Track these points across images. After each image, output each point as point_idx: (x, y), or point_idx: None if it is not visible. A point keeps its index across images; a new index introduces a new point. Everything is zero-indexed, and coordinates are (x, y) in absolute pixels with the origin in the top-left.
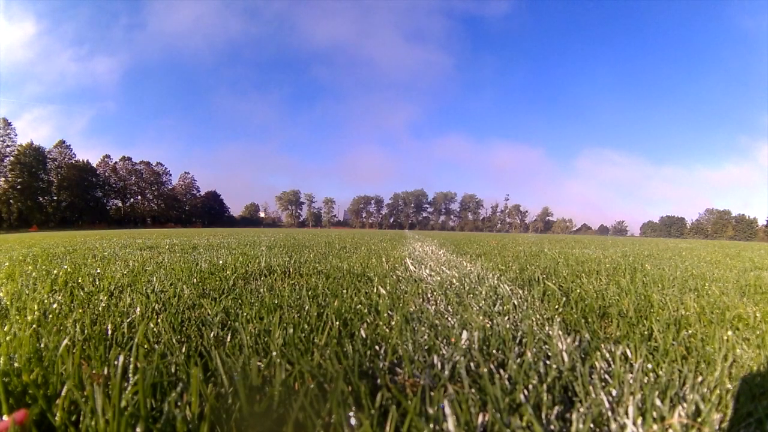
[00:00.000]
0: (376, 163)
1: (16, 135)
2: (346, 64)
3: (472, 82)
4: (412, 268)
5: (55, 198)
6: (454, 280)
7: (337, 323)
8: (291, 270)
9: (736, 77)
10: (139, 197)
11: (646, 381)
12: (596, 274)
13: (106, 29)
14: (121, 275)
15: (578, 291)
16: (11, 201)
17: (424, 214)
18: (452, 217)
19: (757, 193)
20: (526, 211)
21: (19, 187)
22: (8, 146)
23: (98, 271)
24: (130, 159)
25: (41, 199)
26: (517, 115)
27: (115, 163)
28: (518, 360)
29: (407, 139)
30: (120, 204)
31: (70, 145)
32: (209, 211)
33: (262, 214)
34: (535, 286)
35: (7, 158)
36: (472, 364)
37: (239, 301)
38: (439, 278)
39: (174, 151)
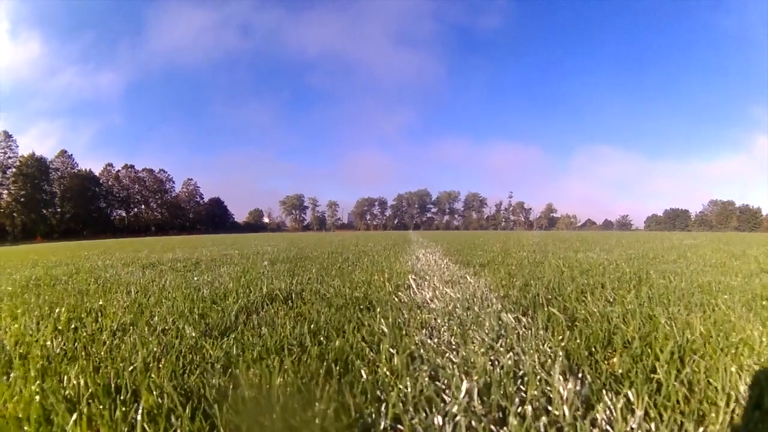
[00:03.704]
0: (377, 166)
1: (17, 147)
2: (340, 70)
3: (465, 84)
4: (415, 287)
5: (59, 209)
6: (458, 307)
7: (338, 367)
8: (293, 295)
9: (725, 70)
10: (143, 206)
11: None
12: (601, 288)
13: (111, 46)
14: (123, 311)
15: (583, 313)
16: (15, 214)
17: (429, 215)
18: (456, 216)
19: (754, 184)
20: (530, 209)
21: (22, 199)
22: (10, 158)
23: (100, 302)
24: (132, 167)
25: (45, 211)
26: (513, 115)
27: (118, 171)
28: (519, 410)
29: (407, 141)
30: (124, 214)
31: (72, 155)
32: (213, 218)
33: (266, 220)
34: (539, 312)
35: (10, 170)
36: (473, 422)
37: (240, 341)
38: (443, 304)
39: (177, 160)
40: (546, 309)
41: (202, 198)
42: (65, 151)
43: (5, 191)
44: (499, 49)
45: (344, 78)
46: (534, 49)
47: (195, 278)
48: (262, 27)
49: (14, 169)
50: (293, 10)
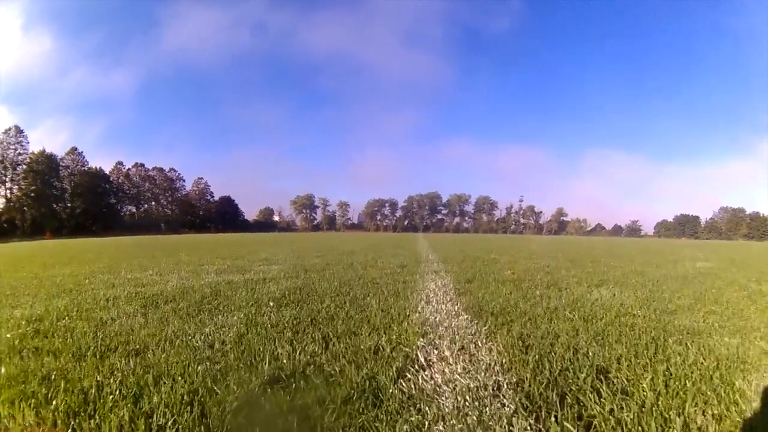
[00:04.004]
0: (388, 167)
1: (28, 143)
2: (351, 71)
3: (476, 86)
4: (423, 360)
5: (69, 205)
6: (467, 403)
7: None
8: (296, 374)
9: (734, 74)
10: (153, 203)
11: None
12: (617, 364)
13: (123, 44)
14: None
15: (597, 411)
16: (25, 208)
17: (439, 216)
18: (466, 218)
19: (765, 190)
20: (540, 212)
21: (32, 194)
22: (20, 154)
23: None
24: (143, 165)
25: (55, 206)
26: (523, 117)
27: (128, 169)
28: None
29: (418, 143)
30: (134, 210)
31: (82, 152)
32: (223, 215)
33: (276, 218)
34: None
35: (20, 166)
36: None
37: None
38: (452, 398)
39: (187, 158)
40: (560, 411)
41: (213, 196)
42: (75, 149)
43: (15, 186)
44: (509, 51)
45: (355, 79)
46: (543, 51)
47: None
48: (273, 28)
49: (24, 166)
50: (304, 12)
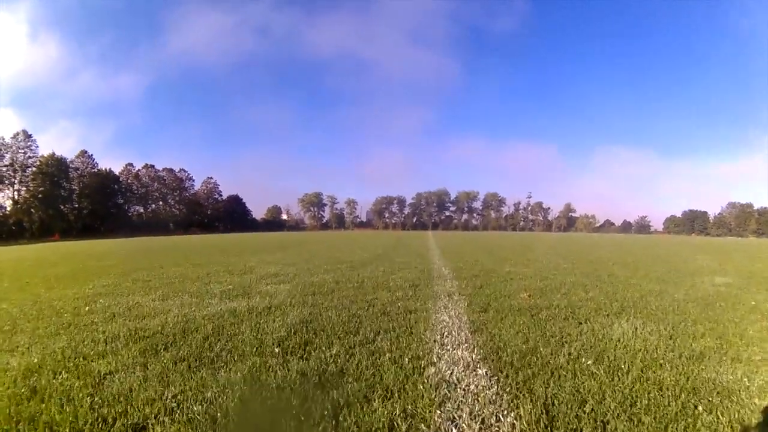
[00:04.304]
0: (396, 165)
1: (38, 147)
2: (358, 70)
3: (483, 83)
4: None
5: (77, 206)
6: None
7: None
8: None
9: (741, 71)
10: (161, 203)
11: None
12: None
13: (130, 48)
14: None
15: None
16: (32, 210)
17: (447, 213)
18: (475, 215)
19: None
20: (549, 208)
21: (40, 196)
22: (30, 157)
23: None
24: (153, 166)
25: (63, 207)
26: (530, 114)
27: (138, 170)
28: None
29: (426, 140)
30: (142, 210)
31: (92, 155)
32: (232, 214)
33: (284, 217)
34: None
35: (30, 169)
36: None
37: None
38: None
39: (196, 159)
40: None
41: (221, 195)
42: (85, 152)
43: (24, 188)
44: (515, 49)
45: (361, 77)
46: (550, 49)
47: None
48: (279, 28)
49: (34, 168)
50: (311, 11)
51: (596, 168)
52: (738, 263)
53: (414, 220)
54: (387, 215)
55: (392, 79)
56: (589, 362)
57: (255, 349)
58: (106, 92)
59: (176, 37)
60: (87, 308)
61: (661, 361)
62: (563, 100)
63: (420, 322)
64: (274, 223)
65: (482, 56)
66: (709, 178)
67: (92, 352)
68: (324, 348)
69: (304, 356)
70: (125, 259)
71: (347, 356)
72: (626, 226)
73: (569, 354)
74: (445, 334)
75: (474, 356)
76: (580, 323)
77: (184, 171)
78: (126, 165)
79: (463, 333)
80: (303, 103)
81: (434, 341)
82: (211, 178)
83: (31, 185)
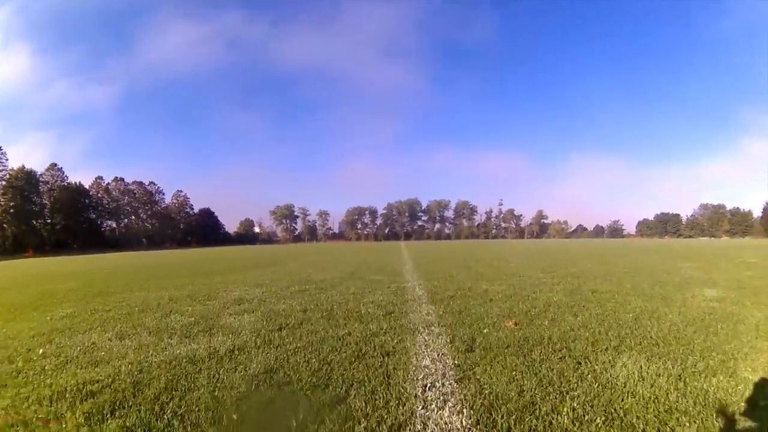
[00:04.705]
0: (368, 175)
1: (7, 159)
2: (329, 82)
3: (453, 93)
4: None
5: (49, 221)
6: None
7: None
8: None
9: (711, 75)
10: (133, 217)
11: None
12: None
13: (102, 59)
14: None
15: None
16: (5, 225)
17: (419, 223)
18: (447, 224)
19: (743, 186)
20: (521, 215)
21: (12, 210)
22: (0, 171)
23: None
24: (122, 179)
25: (35, 222)
26: (501, 122)
27: (108, 184)
28: None
29: (397, 151)
30: (114, 225)
31: (61, 168)
32: (204, 228)
33: (257, 230)
34: None
35: (0, 182)
36: None
37: None
38: None
39: (166, 172)
40: None
41: (192, 209)
42: (55, 165)
43: None
44: (486, 58)
45: (333, 89)
46: (520, 57)
47: None
48: (250, 40)
49: (4, 182)
50: (281, 23)
51: (568, 174)
52: (723, 271)
53: (386, 230)
54: (359, 226)
55: (363, 90)
56: (599, 421)
57: (211, 415)
58: (78, 103)
59: (147, 48)
60: (41, 350)
61: (677, 415)
62: (533, 108)
63: (399, 369)
64: (246, 236)
65: (452, 66)
66: (682, 180)
67: (35, 417)
68: (288, 415)
69: (267, 427)
70: (91, 280)
71: (315, 426)
72: (599, 231)
73: (573, 409)
74: (428, 385)
75: (463, 420)
76: (579, 363)
77: (154, 184)
78: (96, 178)
79: (448, 383)
80: (274, 115)
81: (416, 396)
82: (181, 191)
83: (2, 200)
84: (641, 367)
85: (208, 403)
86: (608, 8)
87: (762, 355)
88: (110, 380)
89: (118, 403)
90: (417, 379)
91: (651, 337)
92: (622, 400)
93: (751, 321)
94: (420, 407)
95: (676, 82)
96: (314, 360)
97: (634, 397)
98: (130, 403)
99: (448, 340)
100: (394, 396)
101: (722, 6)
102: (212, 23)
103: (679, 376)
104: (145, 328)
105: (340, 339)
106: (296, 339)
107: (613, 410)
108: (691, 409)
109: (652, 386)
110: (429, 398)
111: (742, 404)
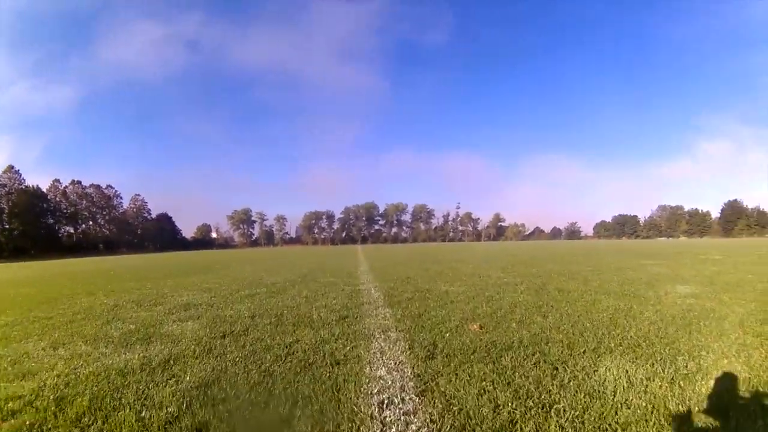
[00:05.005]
0: (326, 179)
1: None
2: (288, 85)
3: (411, 97)
4: None
5: (7, 227)
6: None
7: None
8: None
9: (667, 76)
10: (91, 223)
11: None
12: None
13: (61, 61)
14: None
15: None
16: None
17: (376, 227)
18: (404, 228)
19: (703, 188)
20: (478, 219)
21: None
22: None
23: None
24: (80, 183)
25: None
26: (459, 126)
27: (65, 187)
28: None
29: (355, 155)
30: (72, 230)
31: (18, 170)
32: (161, 233)
33: (214, 235)
34: None
35: None
36: None
37: None
38: None
39: (125, 175)
40: None
41: (150, 214)
42: (12, 167)
43: None
44: (443, 61)
45: (292, 92)
46: (476, 60)
47: None
48: (210, 42)
49: None
50: (240, 25)
51: (525, 176)
52: (691, 268)
53: (343, 234)
54: (316, 230)
55: (321, 93)
56: None
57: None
58: (36, 106)
59: (107, 49)
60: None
61: (684, 426)
62: (491, 109)
63: (350, 382)
64: (203, 241)
65: (410, 70)
66: (640, 182)
67: None
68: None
69: None
70: (41, 287)
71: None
72: (556, 233)
73: (561, 428)
74: (385, 401)
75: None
76: (556, 369)
77: (112, 188)
78: (53, 181)
79: (408, 398)
80: (233, 118)
81: (371, 417)
82: (139, 195)
83: None
84: (627, 371)
85: (132, 425)
86: (565, 11)
87: (756, 352)
88: (34, 396)
89: (37, 425)
90: (371, 393)
91: (631, 337)
92: (616, 412)
93: (733, 317)
94: (377, 430)
95: (635, 84)
96: (255, 372)
97: (629, 408)
98: (50, 426)
99: (407, 347)
100: (344, 415)
101: (678, 12)
102: (172, 23)
103: (672, 379)
104: (83, 336)
105: (287, 347)
106: (239, 347)
107: (608, 426)
108: (695, 418)
109: (645, 393)
110: (387, 419)
111: (752, 408)
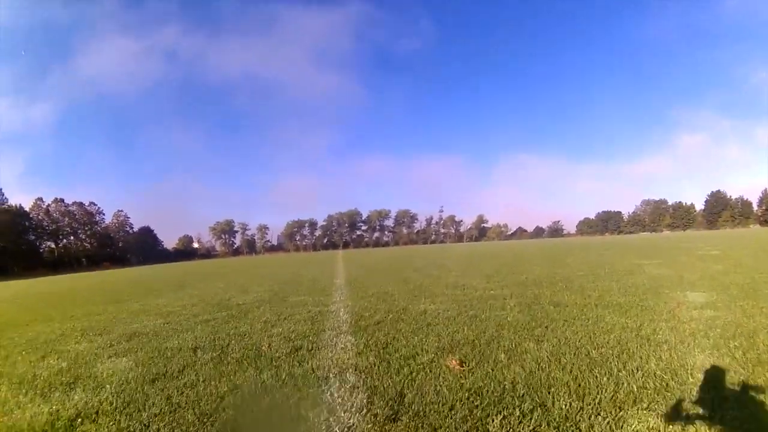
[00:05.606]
0: (308, 188)
1: None
2: (266, 94)
3: (389, 103)
4: None
5: None
6: None
7: None
8: None
9: (646, 73)
10: (72, 237)
11: None
12: None
13: (40, 77)
14: None
15: None
16: None
17: (359, 233)
18: (386, 232)
19: (685, 181)
20: (461, 221)
21: None
22: None
23: None
24: (62, 201)
25: None
26: (438, 130)
27: (48, 205)
28: None
29: (337, 162)
30: (53, 245)
31: (1, 189)
32: (143, 246)
33: (196, 245)
34: None
35: None
36: None
37: None
38: None
39: (107, 189)
40: None
41: (132, 228)
42: None
43: None
44: (419, 66)
45: (270, 102)
46: (452, 63)
47: None
48: (186, 53)
49: None
50: (216, 36)
51: (507, 176)
52: (692, 267)
53: (325, 240)
54: (298, 238)
55: (300, 101)
56: None
57: None
58: (16, 123)
59: (86, 63)
60: None
61: None
62: (469, 110)
63: None
64: (185, 252)
65: (387, 75)
66: (621, 178)
67: None
68: None
69: None
70: (1, 312)
71: None
72: (539, 232)
73: None
74: None
75: None
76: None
77: (94, 204)
78: (36, 200)
79: None
80: (213, 130)
81: None
82: (122, 211)
83: None
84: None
85: None
86: (538, 12)
87: None
88: None
89: None
90: None
91: (654, 374)
92: None
93: (765, 334)
94: None
95: (613, 81)
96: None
97: None
98: None
99: (365, 399)
100: None
101: (652, 9)
102: (149, 36)
103: None
104: (10, 378)
105: (218, 399)
106: (164, 398)
107: None
108: None
109: None
110: None
111: None
